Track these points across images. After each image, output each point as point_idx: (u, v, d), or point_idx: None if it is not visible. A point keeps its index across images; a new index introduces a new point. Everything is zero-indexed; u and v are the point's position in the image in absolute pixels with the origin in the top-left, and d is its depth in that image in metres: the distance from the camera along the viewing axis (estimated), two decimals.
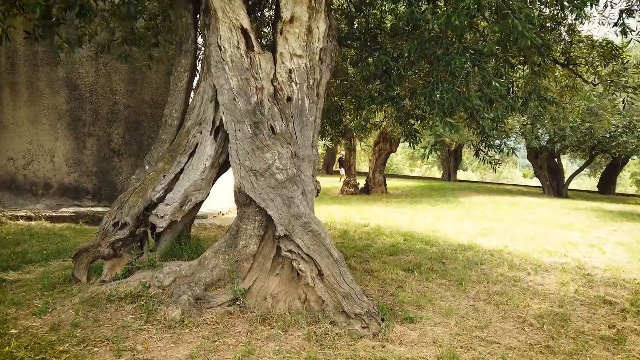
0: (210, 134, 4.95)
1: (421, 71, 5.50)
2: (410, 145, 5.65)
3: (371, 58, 5.60)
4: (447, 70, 5.09)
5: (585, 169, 27.63)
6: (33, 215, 9.62)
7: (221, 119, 4.79)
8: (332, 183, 24.81)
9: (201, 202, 5.18)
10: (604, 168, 29.66)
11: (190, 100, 5.23)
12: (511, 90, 5.48)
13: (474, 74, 4.80)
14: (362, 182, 21.43)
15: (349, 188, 20.61)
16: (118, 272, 5.14)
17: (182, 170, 5.03)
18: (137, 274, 5.08)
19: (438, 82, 4.87)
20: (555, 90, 7.41)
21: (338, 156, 22.61)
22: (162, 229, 5.07)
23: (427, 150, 4.94)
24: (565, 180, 24.55)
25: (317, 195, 5.25)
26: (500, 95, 4.85)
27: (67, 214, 9.73)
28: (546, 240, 9.97)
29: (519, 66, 6.38)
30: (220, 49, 4.52)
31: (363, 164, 38.13)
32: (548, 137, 22.14)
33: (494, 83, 4.70)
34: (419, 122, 6.46)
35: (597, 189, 29.27)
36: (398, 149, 22.48)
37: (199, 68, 5.72)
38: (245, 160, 4.59)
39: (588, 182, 38.18)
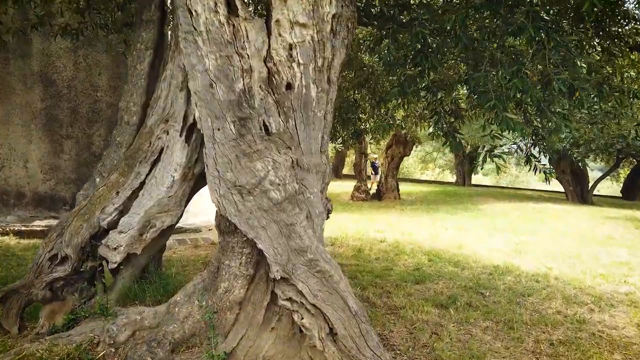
0: (180, 135, 3.60)
1: (468, 51, 4.13)
2: (450, 149, 4.28)
3: (400, 34, 4.23)
4: (506, 49, 3.73)
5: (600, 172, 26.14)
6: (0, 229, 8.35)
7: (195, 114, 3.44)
8: (342, 187, 23.40)
9: (170, 227, 3.83)
10: (627, 172, 28.06)
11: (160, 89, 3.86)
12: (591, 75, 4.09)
13: (546, 52, 3.42)
14: (372, 187, 20.04)
15: (360, 193, 19.22)
16: (59, 320, 3.81)
17: (143, 183, 3.69)
18: (83, 325, 3.74)
19: (497, 63, 3.49)
20: (617, 81, 5.99)
21: (370, 160, 21.54)
22: (116, 265, 3.72)
23: (480, 160, 3.57)
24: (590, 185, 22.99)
25: (328, 217, 3.90)
26: (585, 80, 3.46)
27: (39, 228, 8.44)
28: (593, 260, 8.54)
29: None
30: (191, 14, 3.17)
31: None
32: (572, 140, 20.56)
33: (578, 63, 3.31)
34: (457, 119, 5.08)
35: (619, 194, 27.73)
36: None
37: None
38: (227, 171, 3.24)
39: (606, 186, 36.39)
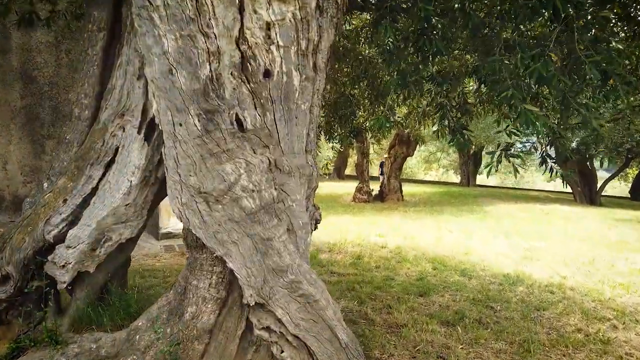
0: (139, 131, 3.04)
1: (477, 36, 3.56)
2: (457, 147, 3.72)
3: (400, 16, 3.64)
4: (521, 31, 3.17)
5: (608, 173, 25.51)
6: None
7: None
8: (344, 188, 22.84)
9: (131, 240, 3.28)
10: (636, 172, 27.41)
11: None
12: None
13: (575, 31, 2.85)
14: (375, 188, 19.43)
15: (362, 195, 18.65)
16: (2, 349, 3.26)
17: (95, 189, 3.14)
18: (28, 354, 3.19)
19: (513, 47, 2.93)
20: None
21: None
22: (65, 284, 3.17)
23: (495, 159, 3.00)
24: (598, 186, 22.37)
25: (316, 228, 3.34)
26: (619, 64, 2.89)
27: None
28: (609, 267, 7.95)
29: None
30: None
31: (376, 168, 36.01)
32: (579, 139, 19.89)
33: (613, 44, 2.74)
34: (464, 115, 4.51)
35: (628, 195, 27.19)
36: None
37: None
38: (190, 174, 2.69)
39: (612, 186, 35.62)
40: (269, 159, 2.78)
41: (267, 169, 2.76)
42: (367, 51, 5.79)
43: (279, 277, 2.70)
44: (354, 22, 6.24)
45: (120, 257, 3.49)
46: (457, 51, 4.66)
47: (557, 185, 35.09)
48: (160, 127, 2.78)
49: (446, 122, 3.98)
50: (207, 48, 2.67)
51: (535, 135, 4.42)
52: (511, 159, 3.02)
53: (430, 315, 5.03)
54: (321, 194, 21.25)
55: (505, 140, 3.13)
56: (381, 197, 19.03)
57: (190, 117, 2.68)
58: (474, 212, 16.16)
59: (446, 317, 5.01)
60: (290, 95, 2.92)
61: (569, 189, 23.48)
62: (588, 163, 22.01)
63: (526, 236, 11.12)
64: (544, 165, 4.78)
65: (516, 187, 34.54)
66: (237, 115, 2.79)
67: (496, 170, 3.08)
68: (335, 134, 6.71)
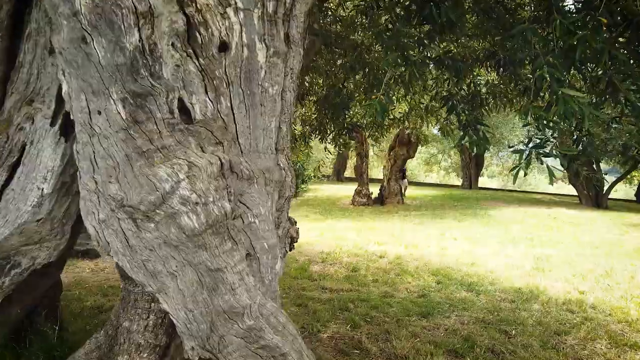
0: (52, 123, 2.31)
1: (493, 14, 2.82)
2: (470, 147, 3.00)
3: None
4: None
5: (610, 175, 24.84)
6: None
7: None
8: (343, 191, 22.07)
9: (55, 264, 2.55)
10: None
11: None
12: None
13: None
14: (375, 191, 18.68)
15: (361, 198, 17.96)
16: None
17: None
18: None
19: (551, 10, 2.21)
20: None
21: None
22: None
23: (524, 159, 2.28)
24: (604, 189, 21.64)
25: (292, 248, 2.61)
26: None
27: None
28: (629, 280, 7.22)
29: None
30: None
31: (375, 170, 35.27)
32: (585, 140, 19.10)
33: None
34: (475, 108, 3.76)
35: (633, 198, 26.51)
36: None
37: None
38: (110, 181, 1.96)
39: (614, 188, 34.82)
40: (221, 160, 2.04)
41: (218, 174, 2.03)
42: (362, 38, 5.05)
43: (232, 323, 1.97)
44: (347, 6, 5.53)
45: (41, 285, 2.76)
46: (471, 30, 3.93)
47: (560, 187, 34.37)
48: (71, 117, 2.05)
49: (455, 117, 3.25)
50: (135, 7, 1.94)
51: (551, 130, 3.69)
52: (544, 159, 2.29)
53: (435, 344, 4.30)
54: (320, 197, 20.58)
55: (537, 137, 2.41)
56: (381, 200, 18.33)
57: (112, 102, 1.95)
58: (478, 216, 15.43)
59: (454, 346, 4.28)
60: (253, 76, 2.20)
61: (572, 192, 22.78)
62: (594, 165, 21.29)
63: (535, 243, 10.42)
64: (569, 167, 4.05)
65: (519, 189, 33.82)
66: (180, 100, 2.07)
67: (525, 174, 2.36)
68: (328, 132, 5.97)
